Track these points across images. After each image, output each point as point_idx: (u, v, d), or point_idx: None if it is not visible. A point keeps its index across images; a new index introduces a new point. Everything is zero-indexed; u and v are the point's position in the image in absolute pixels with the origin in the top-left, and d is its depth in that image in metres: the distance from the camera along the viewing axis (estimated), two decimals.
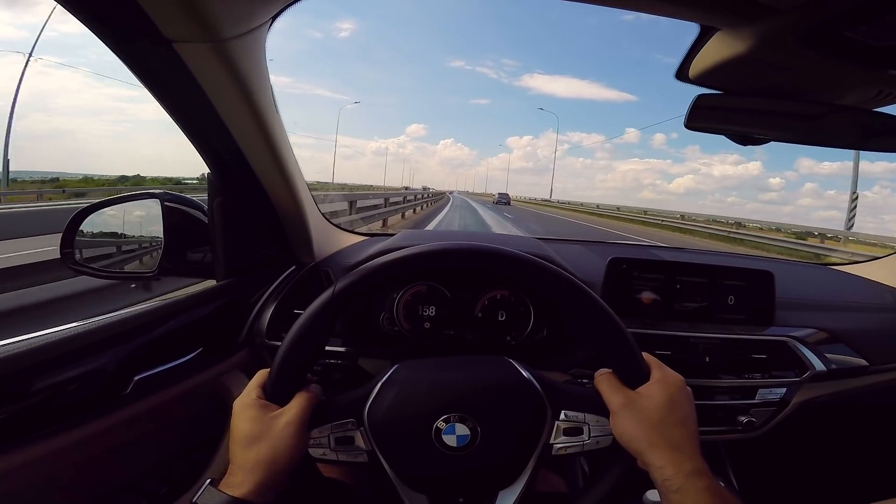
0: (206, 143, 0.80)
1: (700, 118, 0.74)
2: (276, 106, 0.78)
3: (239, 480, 0.51)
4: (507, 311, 1.00)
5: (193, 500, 0.50)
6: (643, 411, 0.54)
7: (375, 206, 13.29)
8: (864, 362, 1.07)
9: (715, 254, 1.45)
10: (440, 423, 0.55)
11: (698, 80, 0.75)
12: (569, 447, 0.57)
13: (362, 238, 1.32)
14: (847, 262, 1.55)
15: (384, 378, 0.59)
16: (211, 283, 0.95)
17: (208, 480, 0.51)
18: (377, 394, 0.58)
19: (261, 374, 0.59)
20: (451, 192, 71.26)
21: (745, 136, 0.78)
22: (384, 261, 0.58)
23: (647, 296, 1.03)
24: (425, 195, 30.29)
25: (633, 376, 0.57)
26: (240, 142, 0.78)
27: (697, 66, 0.73)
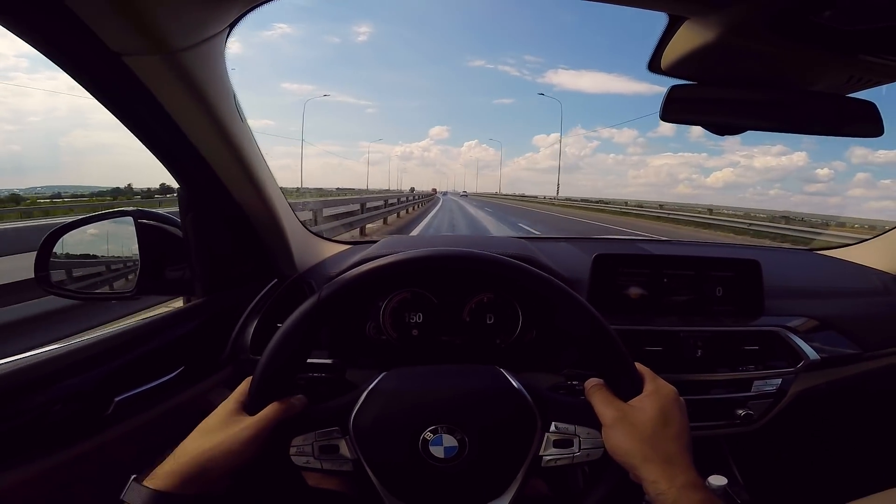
0: (171, 158, 0.78)
1: (675, 110, 0.72)
2: (241, 115, 0.76)
3: (164, 470, 0.49)
4: (495, 314, 0.98)
5: (121, 498, 0.47)
6: (636, 425, 0.52)
7: (349, 214, 11.50)
8: (856, 349, 1.06)
9: (701, 244, 1.44)
10: (427, 434, 0.55)
11: (671, 72, 0.74)
12: (559, 459, 0.56)
13: (345, 247, 1.30)
14: (835, 245, 1.54)
15: (370, 386, 0.58)
16: (191, 300, 0.93)
17: (132, 477, 0.49)
18: (363, 402, 0.57)
19: (245, 384, 0.58)
20: (443, 194, 70.03)
21: (722, 126, 0.77)
22: (368, 268, 0.57)
23: (634, 291, 1.02)
24: (411, 197, 29.39)
25: (626, 388, 0.56)
26: (205, 154, 0.76)
27: (669, 56, 0.72)
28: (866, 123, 0.69)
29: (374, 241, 1.28)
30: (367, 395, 0.57)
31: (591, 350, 0.57)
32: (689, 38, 0.66)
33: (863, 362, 1.07)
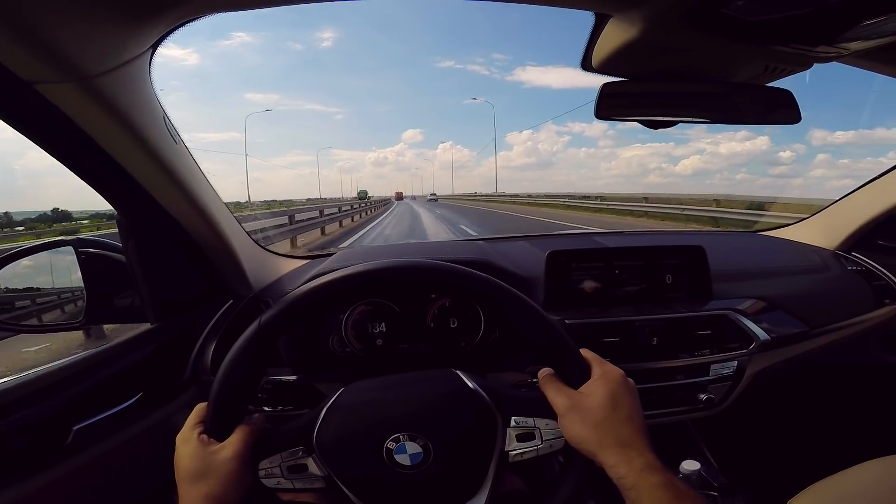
0: (104, 185, 0.76)
1: (607, 107, 0.74)
2: (174, 136, 0.74)
3: None
4: (458, 317, 0.99)
5: None
6: (587, 411, 0.53)
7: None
8: (803, 327, 1.10)
9: (652, 234, 1.47)
10: (390, 444, 0.55)
11: (602, 69, 0.76)
12: (524, 453, 0.57)
13: (302, 262, 1.28)
14: (774, 226, 1.61)
15: (329, 403, 0.58)
16: (146, 326, 0.91)
17: None
18: (323, 420, 0.57)
19: (199, 409, 0.58)
20: (398, 199, 67.10)
21: (655, 121, 0.79)
22: (306, 289, 0.57)
23: (588, 285, 1.04)
24: (356, 206, 25.79)
25: (574, 375, 0.57)
26: (140, 179, 0.74)
27: (598, 55, 0.73)
28: (785, 111, 0.72)
29: (331, 255, 1.27)
30: (326, 413, 0.57)
31: (536, 343, 0.58)
32: (614, 35, 0.68)
33: (810, 340, 1.11)
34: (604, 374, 0.56)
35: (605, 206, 19.56)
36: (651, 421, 0.99)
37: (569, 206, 22.64)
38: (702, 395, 0.99)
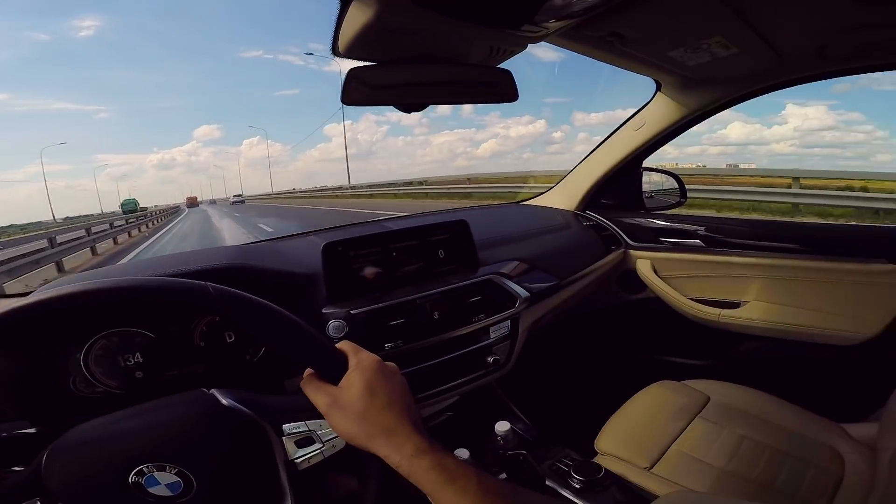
0: None
1: (354, 92, 0.72)
2: None
3: None
4: (233, 330, 0.88)
5: None
6: (348, 405, 0.52)
7: None
8: (554, 280, 1.27)
9: (426, 214, 1.58)
10: (135, 478, 0.50)
11: (349, 54, 0.73)
12: (311, 458, 0.54)
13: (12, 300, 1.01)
14: (535, 195, 1.89)
15: (46, 451, 0.51)
16: None
17: None
18: (45, 467, 0.50)
19: None
20: (191, 206, 59.20)
21: (403, 104, 0.81)
22: None
23: (369, 271, 1.03)
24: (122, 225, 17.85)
25: (332, 370, 0.55)
26: None
27: (343, 39, 0.71)
28: (507, 89, 0.81)
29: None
30: (45, 460, 0.50)
31: (281, 344, 0.55)
32: (356, 18, 0.66)
33: (561, 291, 1.30)
34: (358, 364, 0.55)
35: (427, 191, 20.91)
36: (457, 391, 1.05)
37: (396, 195, 23.05)
38: (489, 358, 1.08)
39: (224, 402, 0.54)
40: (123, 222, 18.96)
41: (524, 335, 1.14)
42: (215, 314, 0.53)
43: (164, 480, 0.50)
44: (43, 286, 0.97)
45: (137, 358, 0.82)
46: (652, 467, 0.99)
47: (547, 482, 0.92)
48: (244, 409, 0.54)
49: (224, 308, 0.53)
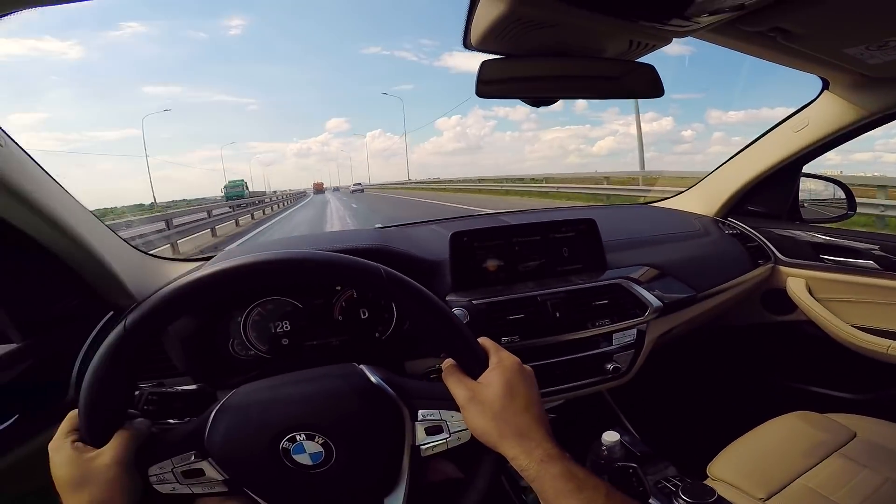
0: None
1: (488, 85, 0.73)
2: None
3: None
4: (367, 307, 0.95)
5: None
6: (486, 402, 0.52)
7: None
8: (690, 292, 1.16)
9: (549, 210, 1.53)
10: (286, 444, 0.54)
11: (481, 47, 0.74)
12: (435, 446, 0.56)
13: (195, 264, 1.18)
14: (666, 197, 1.73)
15: (217, 406, 0.56)
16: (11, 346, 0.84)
17: None
18: (212, 423, 0.55)
19: (71, 416, 0.55)
20: (317, 192, 63.04)
21: (536, 98, 0.79)
22: (173, 288, 0.53)
23: (492, 263, 1.04)
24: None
25: (473, 365, 0.56)
26: None
27: (476, 32, 0.72)
28: (651, 85, 0.75)
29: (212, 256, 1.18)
30: (214, 415, 0.55)
31: (432, 333, 0.56)
32: (489, 11, 0.67)
33: (698, 304, 1.18)
34: (500, 362, 0.55)
35: (554, 190, 17.42)
36: (566, 395, 1.02)
37: (508, 192, 20.38)
38: (608, 365, 1.03)
39: (373, 379, 0.57)
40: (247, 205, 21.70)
41: (650, 346, 1.07)
42: (381, 294, 0.56)
43: (310, 450, 0.54)
44: (221, 254, 1.13)
45: (285, 326, 0.92)
46: (768, 499, 0.88)
47: (651, 501, 0.86)
48: (389, 389, 0.57)
49: (391, 290, 0.55)
